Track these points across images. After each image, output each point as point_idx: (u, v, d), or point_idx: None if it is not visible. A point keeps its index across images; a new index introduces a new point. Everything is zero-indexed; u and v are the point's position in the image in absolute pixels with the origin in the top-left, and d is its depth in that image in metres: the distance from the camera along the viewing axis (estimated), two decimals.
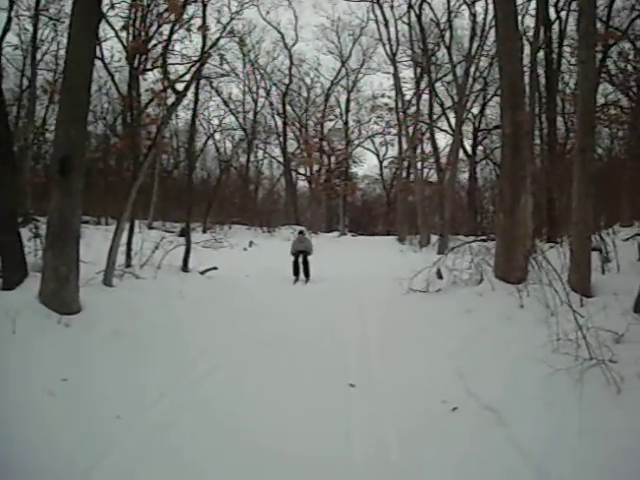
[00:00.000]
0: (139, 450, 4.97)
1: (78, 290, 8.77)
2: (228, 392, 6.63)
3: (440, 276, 12.79)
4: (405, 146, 35.49)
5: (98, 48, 16.79)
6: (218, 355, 8.23)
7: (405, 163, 38.10)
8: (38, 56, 29.90)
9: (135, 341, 8.01)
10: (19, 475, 4.39)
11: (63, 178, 8.47)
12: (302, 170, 45.79)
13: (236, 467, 4.78)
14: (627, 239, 12.26)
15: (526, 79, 16.17)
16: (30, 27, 29.06)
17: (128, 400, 5.95)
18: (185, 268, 15.23)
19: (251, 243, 27.22)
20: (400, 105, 34.39)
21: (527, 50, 20.73)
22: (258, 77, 42.34)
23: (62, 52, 28.41)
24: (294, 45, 42.17)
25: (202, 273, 15.16)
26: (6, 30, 25.42)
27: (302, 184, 47.95)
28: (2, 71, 24.36)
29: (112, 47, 34.96)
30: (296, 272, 17.54)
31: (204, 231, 30.97)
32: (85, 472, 4.50)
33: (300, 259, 17.70)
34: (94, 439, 5.02)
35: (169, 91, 17.59)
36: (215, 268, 15.76)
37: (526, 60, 18.21)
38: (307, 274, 17.53)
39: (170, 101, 17.57)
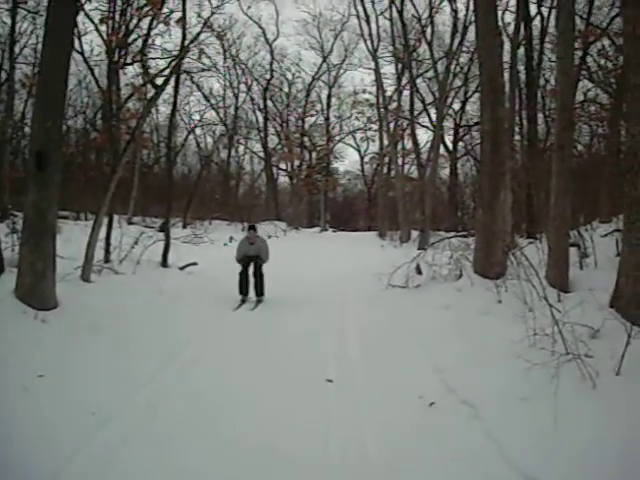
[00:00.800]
0: (114, 446, 4.94)
1: (55, 285, 8.70)
2: (211, 381, 6.70)
3: (419, 272, 12.82)
4: (386, 142, 35.51)
5: (78, 42, 16.76)
6: (198, 349, 8.22)
7: (386, 159, 38.18)
8: (16, 50, 29.52)
9: (113, 336, 7.96)
10: None
11: (39, 172, 8.39)
12: (283, 165, 45.86)
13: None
14: (605, 235, 12.32)
15: (506, 75, 16.26)
16: (8, 20, 28.73)
17: (104, 396, 5.90)
18: (164, 263, 15.12)
19: (231, 239, 27.00)
20: (381, 101, 34.37)
21: (507, 46, 20.83)
22: (239, 72, 42.15)
23: (40, 46, 28.20)
24: (275, 40, 42.14)
25: (182, 268, 15.06)
26: None
27: (283, 180, 48.16)
28: None
29: (92, 41, 34.79)
30: (243, 289, 12.48)
31: (184, 226, 30.81)
32: (54, 473, 4.45)
33: (250, 269, 12.64)
34: (68, 436, 4.99)
35: (149, 85, 17.52)
36: (195, 263, 15.65)
37: (506, 57, 18.33)
38: (260, 291, 12.48)
39: (150, 95, 17.47)
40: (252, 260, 12.66)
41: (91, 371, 6.57)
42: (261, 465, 4.76)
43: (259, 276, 12.53)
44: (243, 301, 12.28)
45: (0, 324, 7.17)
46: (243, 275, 12.52)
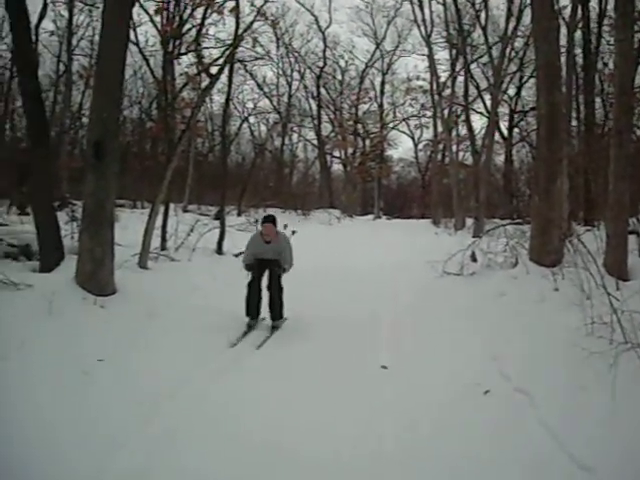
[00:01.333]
0: (172, 428, 5.03)
1: (113, 272, 8.89)
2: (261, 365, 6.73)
3: (474, 259, 12.71)
4: (440, 128, 35.25)
5: (133, 33, 16.99)
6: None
7: (440, 146, 37.87)
8: (74, 42, 30.15)
9: (169, 322, 8.11)
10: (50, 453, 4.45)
11: (97, 162, 8.56)
12: (337, 153, 45.67)
13: None
14: None
15: (563, 59, 15.94)
16: (65, 13, 29.32)
17: (162, 380, 6.01)
18: (220, 251, 15.31)
19: (285, 226, 27.14)
20: (435, 87, 34.10)
21: (564, 30, 20.41)
22: (292, 60, 42.14)
23: (97, 37, 28.61)
24: (328, 27, 41.82)
25: (236, 256, 15.18)
26: (42, 16, 25.69)
27: (337, 167, 47.94)
28: (38, 57, 24.67)
29: (147, 32, 35.20)
30: (252, 309, 8.96)
31: (239, 214, 30.98)
32: (110, 453, 4.53)
33: (264, 280, 9.12)
34: (127, 418, 5.10)
35: (203, 75, 17.67)
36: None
37: (563, 40, 17.93)
38: (278, 312, 8.99)
39: (204, 85, 17.61)
40: (267, 267, 9.04)
41: (149, 356, 6.69)
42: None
43: (276, 290, 8.94)
44: (250, 327, 8.71)
45: (62, 309, 7.35)
46: (254, 288, 8.94)
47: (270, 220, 9.26)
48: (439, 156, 39.21)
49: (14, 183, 17.49)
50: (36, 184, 9.75)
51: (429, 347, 7.68)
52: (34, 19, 24.78)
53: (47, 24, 31.26)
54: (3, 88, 27.71)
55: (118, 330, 7.45)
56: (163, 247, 13.89)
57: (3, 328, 6.52)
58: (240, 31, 16.03)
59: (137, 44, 18.53)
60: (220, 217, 16.63)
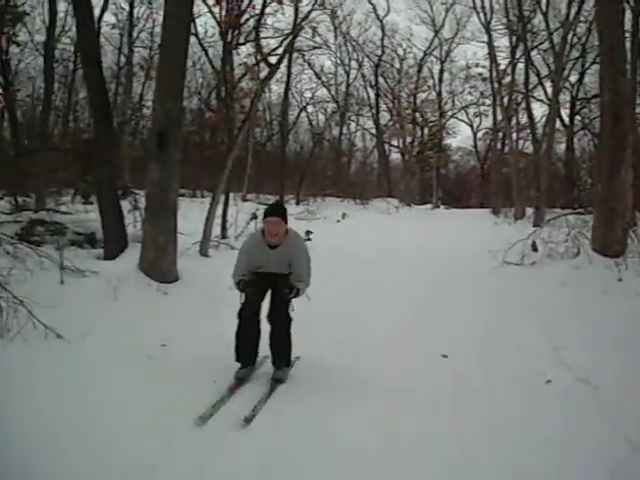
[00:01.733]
0: (236, 413, 5.06)
1: (176, 260, 9.09)
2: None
3: (535, 249, 12.58)
4: (500, 117, 34.71)
5: (192, 24, 17.18)
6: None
7: (500, 134, 37.30)
8: (134, 34, 30.74)
9: (230, 310, 8.21)
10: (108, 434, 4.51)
11: (161, 152, 8.74)
12: (395, 142, 45.49)
13: None
14: None
15: (627, 45, 15.58)
16: (126, 6, 29.92)
17: (221, 366, 5.99)
18: None
19: (344, 215, 27.19)
20: (495, 75, 33.62)
21: (629, 14, 19.91)
22: (350, 49, 42.07)
23: (157, 29, 29.12)
24: (386, 16, 41.64)
25: None
26: (104, 10, 26.19)
27: (395, 156, 47.73)
28: (100, 49, 25.14)
29: (206, 22, 35.61)
30: (245, 351, 6.02)
31: (297, 203, 31.15)
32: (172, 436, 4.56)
33: (265, 304, 6.13)
34: (191, 400, 5.16)
35: (262, 65, 17.81)
36: (309, 239, 15.85)
37: (628, 25, 17.51)
38: (281, 357, 6.06)
39: (263, 74, 17.76)
40: (270, 285, 6.03)
41: (210, 341, 6.78)
42: None
43: (282, 322, 5.97)
44: (241, 380, 5.83)
45: (126, 296, 7.56)
46: (248, 318, 5.97)
47: (278, 212, 5.88)
48: (499, 145, 38.65)
49: (78, 173, 17.87)
50: (100, 174, 10.01)
51: (490, 336, 7.62)
52: (96, 12, 25.31)
53: (108, 17, 31.91)
54: (67, 80, 28.39)
55: (180, 316, 7.61)
56: (224, 235, 14.13)
57: (70, 313, 6.73)
58: (298, 20, 16.11)
59: (196, 35, 18.79)
60: None
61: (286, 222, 5.83)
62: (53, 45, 20.45)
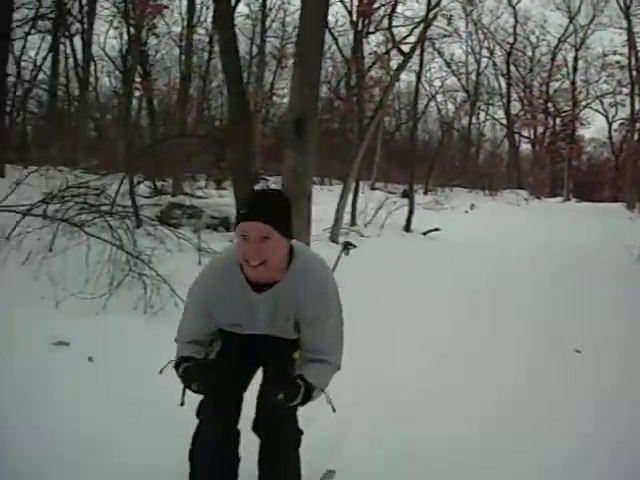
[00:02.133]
0: None
1: (309, 245, 9.24)
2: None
3: None
4: (638, 106, 33.35)
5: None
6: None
7: (637, 125, 35.84)
8: (267, 24, 31.39)
9: (359, 296, 8.30)
10: None
11: (298, 138, 8.90)
12: (526, 132, 44.70)
13: None
14: None
15: None
16: None
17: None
18: (408, 228, 15.48)
19: (472, 206, 26.90)
20: (634, 62, 32.33)
21: None
22: (481, 37, 41.53)
23: (288, 19, 29.75)
24: (519, 2, 40.86)
25: (424, 234, 15.30)
26: (238, 0, 26.87)
27: (525, 147, 46.91)
28: (237, 39, 25.79)
29: (337, 12, 35.87)
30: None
31: (425, 193, 31.03)
32: None
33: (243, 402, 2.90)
34: None
35: (392, 53, 17.82)
36: (437, 229, 15.80)
37: None
38: None
39: (392, 63, 17.78)
40: (259, 366, 2.99)
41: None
42: None
43: (284, 443, 2.85)
44: None
45: None
46: (209, 441, 2.80)
47: (262, 211, 2.55)
48: (636, 136, 37.11)
49: (213, 159, 18.50)
50: (236, 159, 10.29)
51: (619, 332, 7.32)
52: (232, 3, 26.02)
53: (241, 8, 32.78)
54: (201, 69, 29.36)
55: None
56: (353, 223, 14.28)
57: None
58: (431, 7, 16.00)
59: (326, 24, 18.96)
60: (408, 195, 16.77)
61: (286, 233, 2.68)
62: (190, 36, 21.13)
